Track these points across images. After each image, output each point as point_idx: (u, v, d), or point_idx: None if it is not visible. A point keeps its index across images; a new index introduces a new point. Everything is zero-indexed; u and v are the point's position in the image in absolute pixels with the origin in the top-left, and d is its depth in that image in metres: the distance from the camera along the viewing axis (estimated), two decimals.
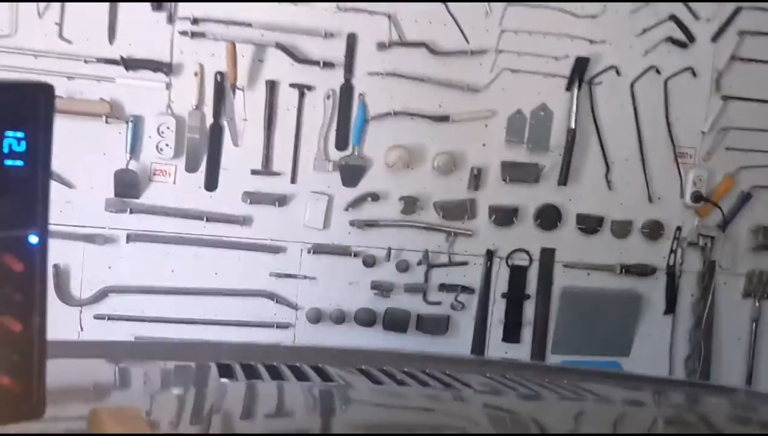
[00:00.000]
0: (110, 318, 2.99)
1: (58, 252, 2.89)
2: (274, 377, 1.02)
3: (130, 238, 2.99)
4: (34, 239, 0.60)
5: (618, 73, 3.22)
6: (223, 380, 0.99)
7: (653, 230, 3.34)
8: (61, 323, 2.90)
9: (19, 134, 0.58)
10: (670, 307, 3.39)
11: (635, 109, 3.26)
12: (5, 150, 0.58)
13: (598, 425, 1.09)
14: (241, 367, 1.03)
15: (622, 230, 3.32)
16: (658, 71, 3.25)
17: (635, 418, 1.20)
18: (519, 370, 1.38)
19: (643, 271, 3.35)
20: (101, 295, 3.00)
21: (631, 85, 3.24)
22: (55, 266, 2.92)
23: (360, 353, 1.41)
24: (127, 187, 2.93)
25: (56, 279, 2.93)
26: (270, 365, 1.06)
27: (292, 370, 1.05)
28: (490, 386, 1.21)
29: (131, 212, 2.97)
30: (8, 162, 0.58)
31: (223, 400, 0.96)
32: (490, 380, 1.23)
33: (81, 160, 2.89)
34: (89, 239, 2.95)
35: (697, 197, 3.32)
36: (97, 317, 2.99)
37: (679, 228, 3.36)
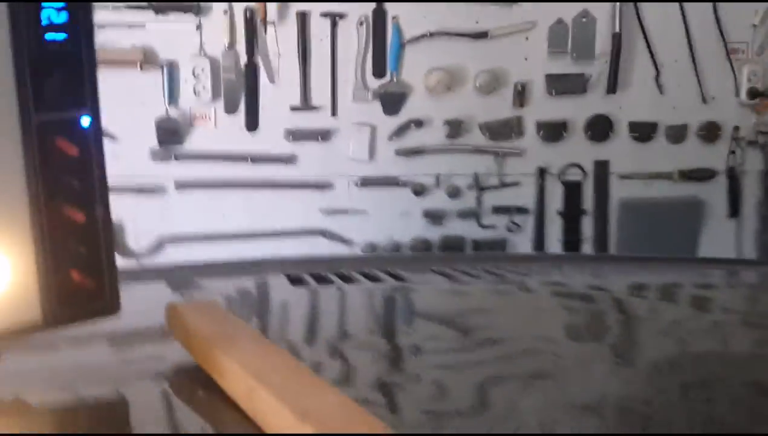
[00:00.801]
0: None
1: None
2: (346, 282, 0.98)
3: (177, 185, 2.97)
4: (86, 121, 0.55)
5: None
6: (295, 287, 0.95)
7: (710, 132, 3.21)
8: None
9: (60, 3, 0.52)
10: (734, 210, 3.28)
11: (681, 6, 3.10)
12: (45, 22, 0.52)
13: (682, 307, 1.03)
14: (311, 276, 0.99)
15: (677, 134, 3.20)
16: None
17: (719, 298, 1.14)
18: (594, 262, 1.33)
19: (703, 175, 3.23)
20: (157, 245, 3.00)
21: None
22: None
23: (428, 256, 1.36)
24: (170, 134, 2.91)
25: None
26: (340, 273, 1.02)
27: (363, 275, 1.01)
28: (570, 277, 1.16)
29: (176, 159, 2.95)
30: (50, 35, 0.53)
31: (297, 303, 0.93)
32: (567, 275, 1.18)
33: (120, 111, 2.84)
34: (138, 190, 2.94)
35: (753, 94, 3.18)
36: None
37: (736, 128, 3.22)
